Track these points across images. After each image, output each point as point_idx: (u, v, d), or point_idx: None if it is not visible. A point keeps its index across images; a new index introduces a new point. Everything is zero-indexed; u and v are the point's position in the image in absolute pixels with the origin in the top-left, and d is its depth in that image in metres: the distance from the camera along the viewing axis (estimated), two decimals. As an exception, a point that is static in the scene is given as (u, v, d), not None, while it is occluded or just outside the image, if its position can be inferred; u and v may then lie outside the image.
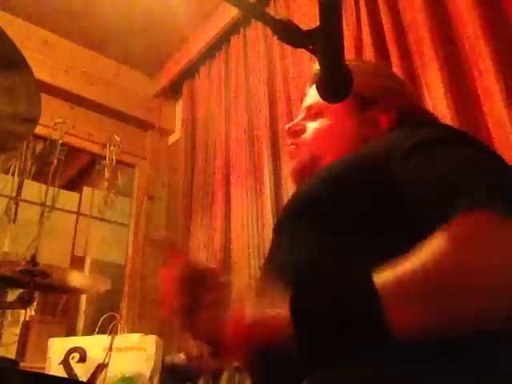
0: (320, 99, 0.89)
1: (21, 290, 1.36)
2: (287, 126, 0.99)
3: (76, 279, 1.57)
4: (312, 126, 0.95)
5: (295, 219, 0.76)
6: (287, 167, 1.87)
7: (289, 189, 1.84)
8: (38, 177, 2.52)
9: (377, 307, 0.50)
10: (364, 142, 0.85)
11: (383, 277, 0.52)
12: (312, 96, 0.98)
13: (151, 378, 1.71)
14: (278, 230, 0.81)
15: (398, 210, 0.64)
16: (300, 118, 0.99)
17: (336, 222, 0.69)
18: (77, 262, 2.59)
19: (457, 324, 0.51)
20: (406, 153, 0.67)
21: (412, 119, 0.89)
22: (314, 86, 0.93)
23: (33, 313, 1.41)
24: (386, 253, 0.54)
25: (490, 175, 0.60)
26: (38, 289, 1.38)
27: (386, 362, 0.49)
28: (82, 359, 1.76)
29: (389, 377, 0.51)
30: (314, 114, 0.95)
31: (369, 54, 1.63)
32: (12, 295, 1.36)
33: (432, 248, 0.52)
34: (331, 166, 0.80)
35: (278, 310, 0.55)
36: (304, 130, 0.95)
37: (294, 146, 0.95)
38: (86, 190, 2.76)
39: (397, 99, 0.92)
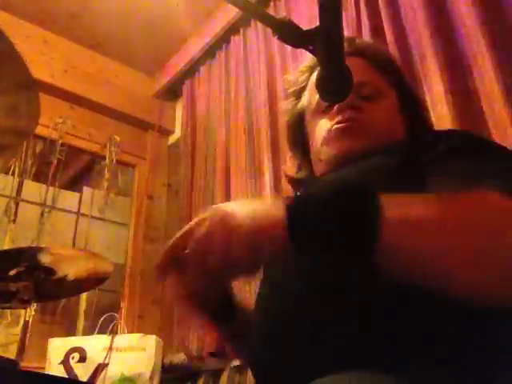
0: (375, 77, 0.90)
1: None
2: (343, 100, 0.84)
3: (77, 268, 1.47)
4: (381, 108, 0.87)
5: None
6: (289, 161, 1.87)
7: (289, 188, 1.83)
8: (38, 177, 2.51)
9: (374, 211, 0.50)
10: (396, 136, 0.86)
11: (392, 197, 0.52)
12: (363, 72, 0.89)
13: (151, 378, 1.71)
14: None
15: None
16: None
17: None
18: (77, 262, 2.59)
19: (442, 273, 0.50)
20: (441, 156, 0.69)
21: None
22: (367, 61, 0.92)
23: (33, 313, 1.41)
24: None
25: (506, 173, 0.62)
26: (40, 288, 1.35)
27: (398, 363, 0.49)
28: (82, 359, 1.77)
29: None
30: (371, 93, 0.88)
31: (369, 53, 1.63)
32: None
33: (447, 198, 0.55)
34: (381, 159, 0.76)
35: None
36: (364, 109, 0.86)
37: (350, 123, 0.84)
38: (86, 190, 2.76)
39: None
